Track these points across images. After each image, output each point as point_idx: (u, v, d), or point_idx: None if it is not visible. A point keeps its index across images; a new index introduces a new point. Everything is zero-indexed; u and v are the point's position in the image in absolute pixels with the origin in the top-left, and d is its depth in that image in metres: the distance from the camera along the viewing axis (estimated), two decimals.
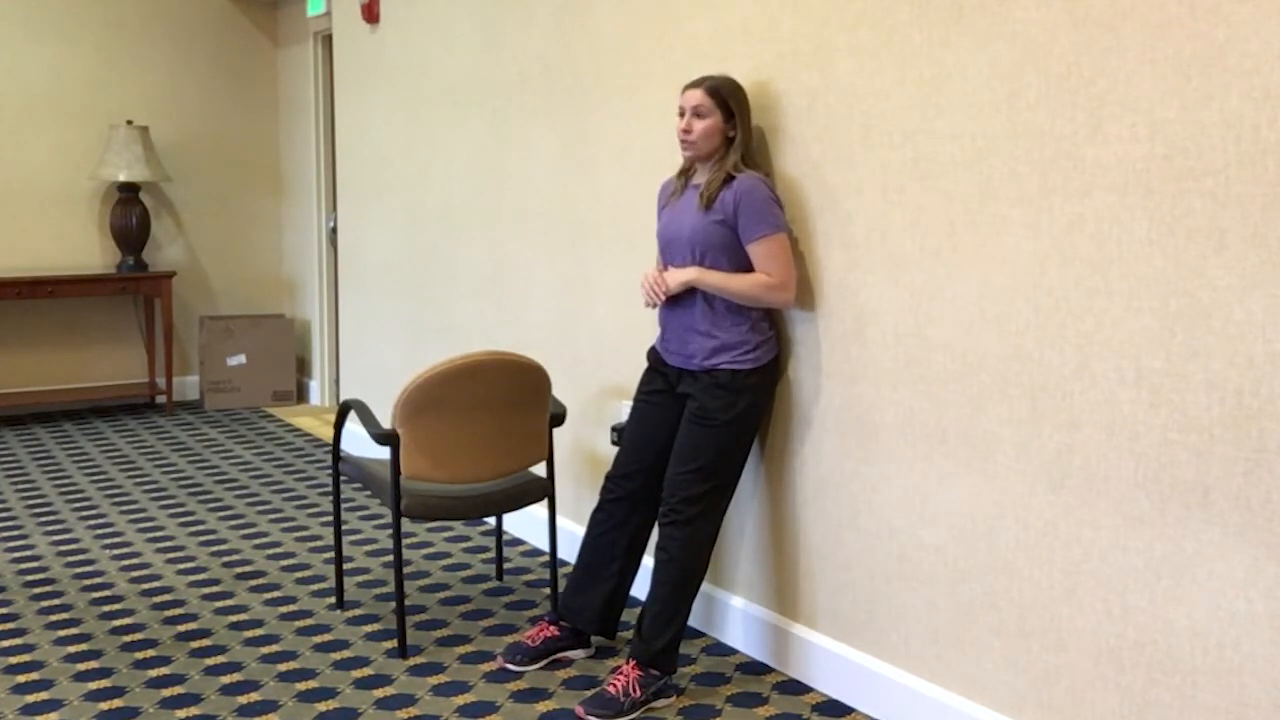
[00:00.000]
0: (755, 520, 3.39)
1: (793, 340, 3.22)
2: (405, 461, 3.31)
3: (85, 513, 4.87)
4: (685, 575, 3.09)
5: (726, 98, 3.14)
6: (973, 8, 2.65)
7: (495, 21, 4.59)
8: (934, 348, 2.81)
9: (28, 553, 4.34)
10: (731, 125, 3.15)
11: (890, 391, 2.93)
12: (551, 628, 3.36)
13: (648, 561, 3.80)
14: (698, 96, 3.13)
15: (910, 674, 2.94)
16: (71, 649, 3.45)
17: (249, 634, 3.57)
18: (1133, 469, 2.38)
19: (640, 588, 3.81)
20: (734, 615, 3.48)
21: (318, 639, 3.54)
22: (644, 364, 3.79)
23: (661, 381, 3.29)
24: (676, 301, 3.22)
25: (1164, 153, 2.28)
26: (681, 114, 3.17)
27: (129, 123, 6.94)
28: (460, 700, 3.12)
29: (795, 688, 3.21)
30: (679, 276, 3.16)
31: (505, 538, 4.59)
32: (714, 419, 3.10)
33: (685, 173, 3.28)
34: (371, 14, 5.62)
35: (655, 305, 3.23)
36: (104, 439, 6.31)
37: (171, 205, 7.36)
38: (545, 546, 4.43)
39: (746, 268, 3.13)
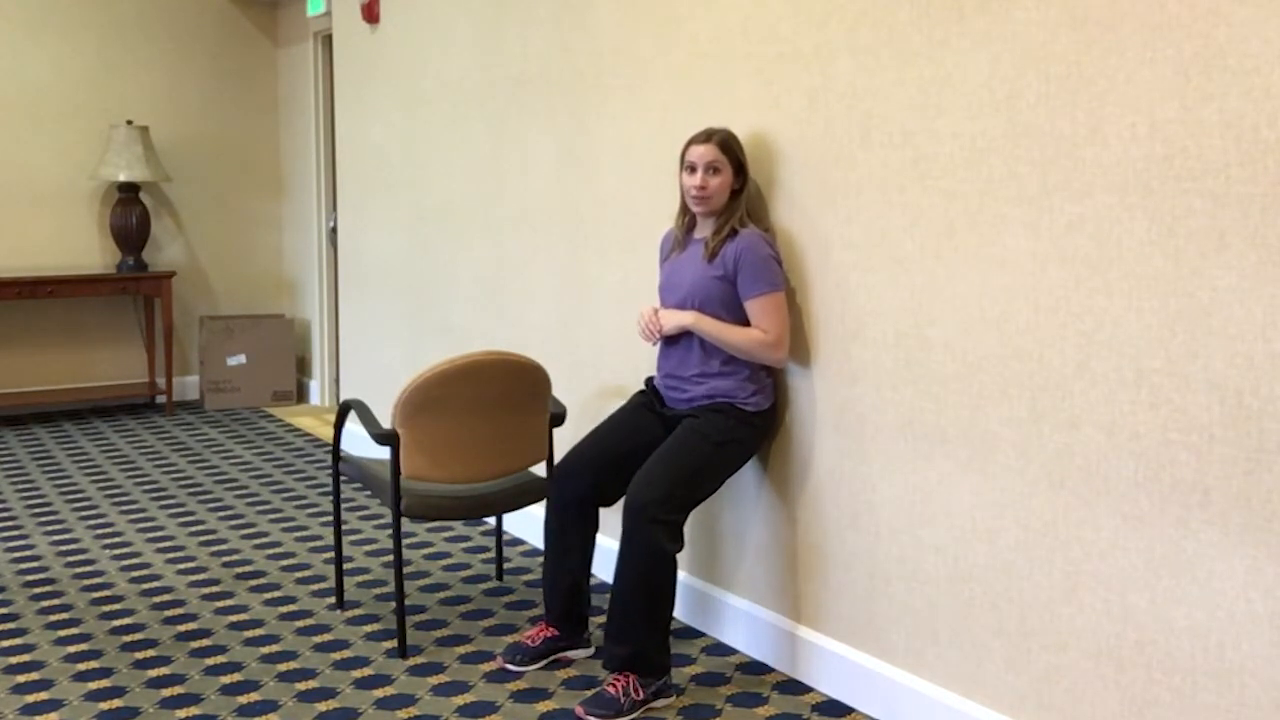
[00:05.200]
0: (755, 520, 3.39)
1: (793, 341, 3.22)
2: (405, 461, 3.31)
3: (85, 513, 4.87)
4: (644, 585, 2.97)
5: (736, 152, 3.16)
6: (973, 8, 2.65)
7: (495, 21, 4.59)
8: (934, 348, 2.81)
9: (28, 553, 4.34)
10: (738, 179, 3.17)
11: (890, 391, 2.93)
12: (551, 628, 3.36)
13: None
14: (712, 152, 3.14)
15: (910, 674, 2.94)
16: (71, 649, 3.45)
17: (249, 634, 3.57)
18: (1133, 469, 2.38)
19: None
20: (734, 615, 3.48)
21: (318, 639, 3.54)
22: (644, 364, 3.79)
23: (653, 406, 3.33)
24: (674, 347, 3.25)
25: (1164, 153, 2.28)
26: (692, 169, 3.16)
27: (129, 123, 6.94)
28: (460, 700, 3.12)
29: (795, 688, 3.21)
30: (676, 318, 3.19)
31: (505, 538, 4.59)
32: (707, 436, 3.10)
33: (686, 224, 3.31)
34: (371, 14, 5.62)
35: (654, 343, 3.26)
36: (104, 439, 6.31)
37: (171, 205, 7.36)
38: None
39: (744, 323, 3.16)
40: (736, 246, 3.12)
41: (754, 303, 3.11)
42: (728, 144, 3.16)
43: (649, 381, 3.39)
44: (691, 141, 3.18)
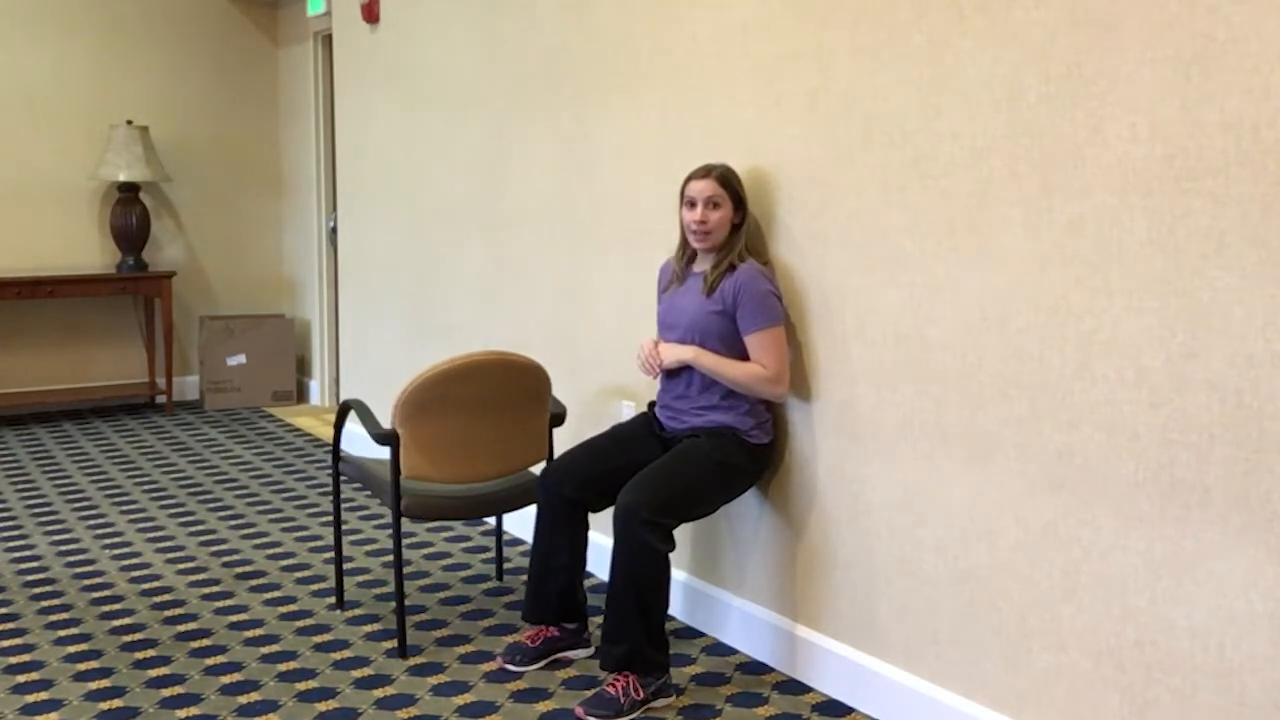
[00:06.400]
0: (756, 520, 3.39)
1: (793, 341, 3.22)
2: (405, 461, 3.31)
3: (85, 513, 4.87)
4: (636, 586, 2.98)
5: (735, 186, 3.17)
6: (973, 8, 2.65)
7: (495, 21, 4.59)
8: (934, 348, 2.81)
9: (28, 553, 4.34)
10: (738, 213, 3.18)
11: (890, 392, 2.93)
12: (551, 628, 3.36)
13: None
14: (711, 187, 3.15)
15: (910, 674, 2.94)
16: (71, 649, 3.45)
17: (249, 634, 3.57)
18: (1133, 469, 2.38)
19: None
20: (734, 615, 3.48)
21: (318, 639, 3.54)
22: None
23: (654, 430, 3.33)
24: (675, 380, 3.26)
25: (1164, 153, 2.28)
26: (692, 204, 3.17)
27: (129, 123, 6.94)
28: (460, 700, 3.12)
29: (795, 688, 3.21)
30: (675, 353, 3.20)
31: (505, 538, 4.59)
32: (709, 454, 3.10)
33: (686, 258, 3.32)
34: (371, 14, 5.62)
35: (654, 376, 3.26)
36: (104, 439, 6.31)
37: (171, 205, 7.36)
38: None
39: (743, 357, 3.16)
40: (736, 281, 3.13)
41: (753, 338, 3.12)
42: (727, 179, 3.17)
43: (651, 405, 3.41)
44: (691, 177, 3.19)
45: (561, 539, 3.26)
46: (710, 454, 3.10)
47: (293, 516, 4.85)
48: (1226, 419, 2.21)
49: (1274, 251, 2.12)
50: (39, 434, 6.43)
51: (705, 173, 3.17)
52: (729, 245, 3.19)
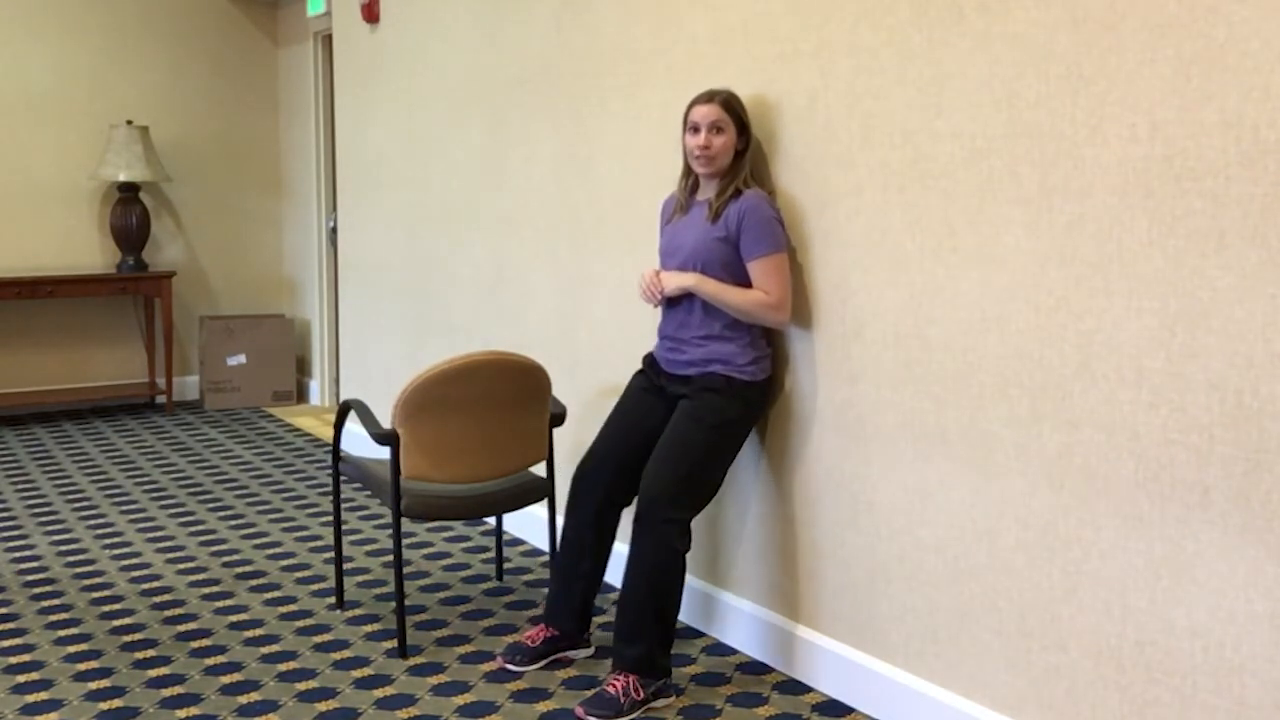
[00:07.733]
0: (755, 520, 3.39)
1: (792, 340, 3.22)
2: (405, 461, 3.31)
3: (85, 513, 4.87)
4: (654, 585, 3.00)
5: (739, 111, 3.15)
6: (973, 8, 2.65)
7: (495, 21, 4.59)
8: (934, 348, 2.81)
9: (28, 553, 4.34)
10: (741, 139, 3.17)
11: (890, 392, 2.93)
12: (551, 628, 3.36)
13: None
14: (715, 112, 3.12)
15: (910, 674, 2.94)
16: (71, 649, 3.45)
17: (249, 634, 3.57)
18: (1133, 469, 2.38)
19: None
20: (734, 615, 3.48)
21: (318, 639, 3.54)
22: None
23: (651, 382, 3.30)
24: (676, 309, 3.23)
25: (1164, 153, 2.28)
26: (696, 129, 3.15)
27: (129, 123, 6.94)
28: (460, 700, 3.12)
29: (795, 688, 3.21)
30: (677, 279, 3.17)
31: (505, 538, 4.59)
32: (703, 419, 3.09)
33: (689, 187, 3.29)
34: (371, 14, 5.62)
35: (656, 304, 3.24)
36: (104, 439, 6.31)
37: (171, 205, 7.36)
38: (545, 546, 4.43)
39: (745, 285, 3.14)
40: (740, 207, 3.10)
41: (756, 264, 3.10)
42: (730, 104, 3.14)
43: (647, 358, 3.38)
44: (694, 102, 3.17)
45: (590, 544, 3.27)
46: (704, 418, 3.08)
47: (293, 516, 4.85)
48: (1226, 419, 2.21)
49: (1274, 251, 2.12)
50: (39, 434, 6.43)
51: (709, 98, 3.15)
52: (733, 171, 3.17)
